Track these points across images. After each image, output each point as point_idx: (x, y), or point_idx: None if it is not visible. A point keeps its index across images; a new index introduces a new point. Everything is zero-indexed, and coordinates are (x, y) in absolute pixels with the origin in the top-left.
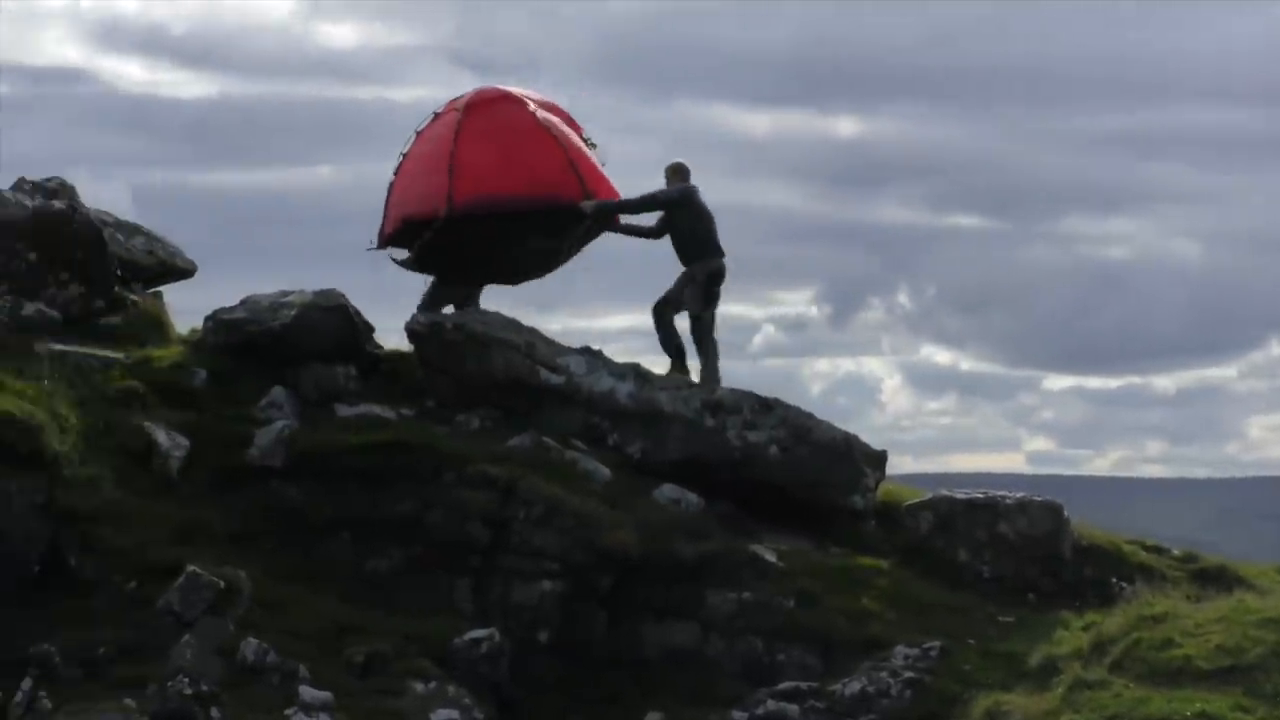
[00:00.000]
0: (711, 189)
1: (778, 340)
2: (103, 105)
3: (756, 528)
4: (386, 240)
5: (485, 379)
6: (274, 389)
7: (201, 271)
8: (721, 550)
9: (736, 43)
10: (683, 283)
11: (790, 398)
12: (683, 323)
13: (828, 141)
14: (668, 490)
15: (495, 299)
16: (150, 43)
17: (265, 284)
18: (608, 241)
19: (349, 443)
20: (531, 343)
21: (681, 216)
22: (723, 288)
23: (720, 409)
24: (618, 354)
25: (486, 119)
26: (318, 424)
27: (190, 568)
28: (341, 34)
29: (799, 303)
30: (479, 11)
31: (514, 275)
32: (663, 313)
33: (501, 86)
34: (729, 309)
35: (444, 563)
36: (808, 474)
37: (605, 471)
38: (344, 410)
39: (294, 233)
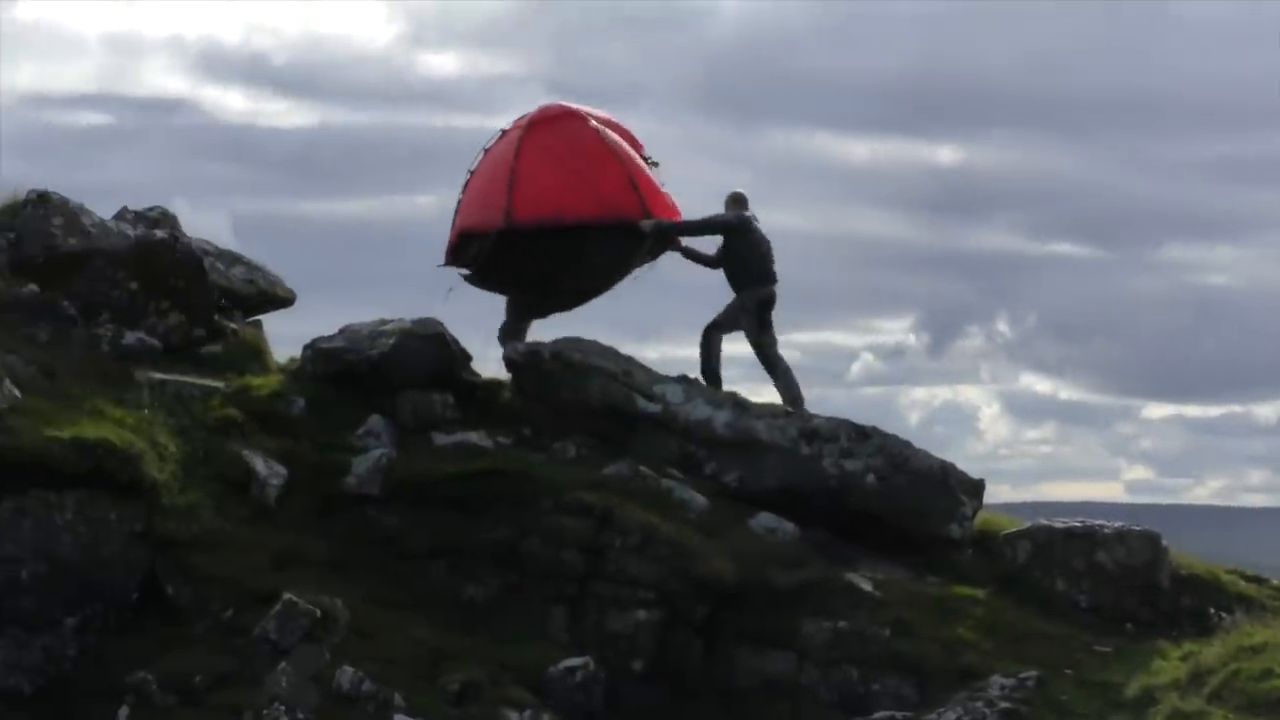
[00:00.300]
0: (810, 217)
1: (875, 368)
2: (204, 135)
3: (853, 556)
4: (451, 255)
5: (582, 407)
6: (371, 417)
7: (300, 300)
8: (817, 579)
9: (836, 70)
10: (734, 309)
11: (888, 426)
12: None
13: (927, 169)
14: (764, 519)
15: (592, 327)
16: (252, 72)
17: (364, 313)
18: (703, 271)
19: (446, 471)
20: (629, 370)
21: (737, 243)
22: (777, 313)
23: (817, 437)
24: None
25: (548, 136)
26: (415, 452)
27: (287, 596)
28: (442, 63)
29: (897, 331)
30: (578, 40)
31: (573, 294)
32: (710, 337)
33: (565, 104)
34: (827, 337)
35: (539, 591)
36: (905, 503)
37: (701, 500)
38: (441, 438)
39: (392, 261)
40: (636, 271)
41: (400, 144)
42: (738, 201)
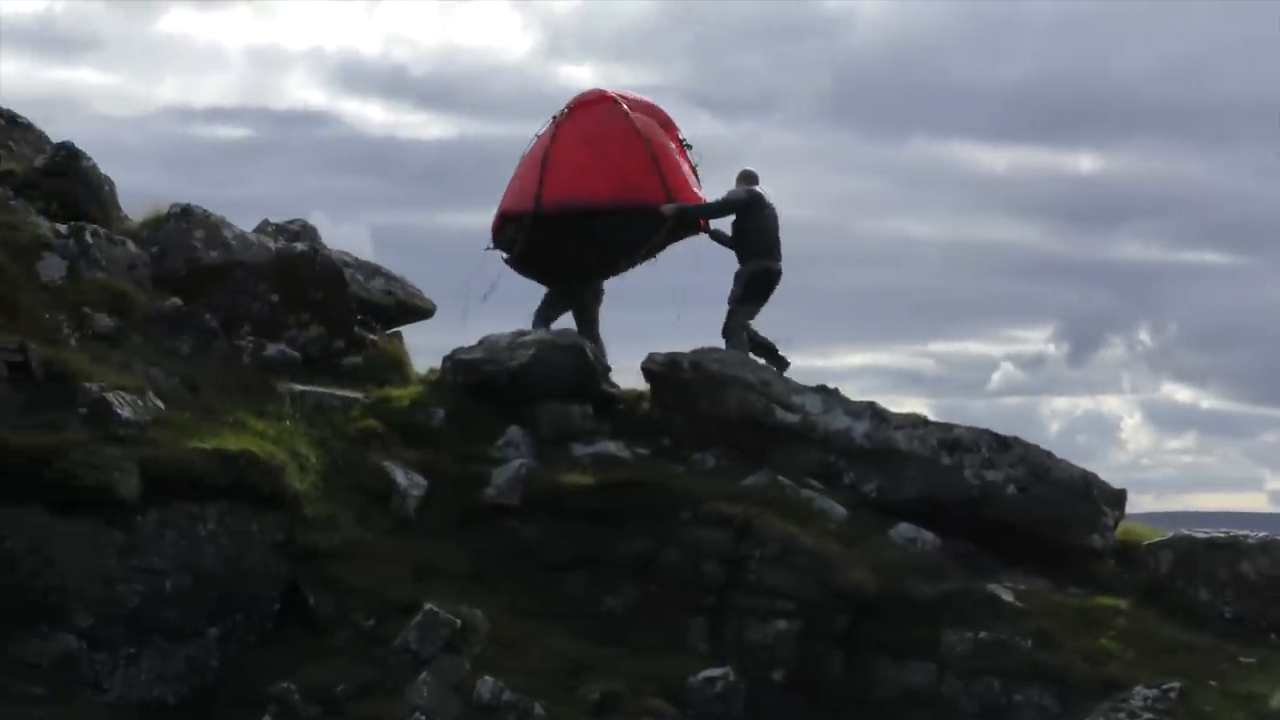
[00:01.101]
0: (948, 227)
1: (1016, 378)
2: (344, 147)
3: (993, 567)
4: (494, 238)
5: (720, 417)
6: (511, 428)
7: (440, 311)
8: (958, 590)
9: (972, 78)
10: (738, 280)
11: (1029, 436)
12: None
13: (1066, 177)
14: (904, 529)
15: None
16: (391, 84)
17: (503, 323)
18: (845, 281)
19: (585, 482)
20: (767, 381)
21: (746, 218)
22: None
23: (958, 447)
24: (854, 392)
25: (583, 121)
26: (554, 463)
27: (427, 606)
28: (580, 74)
29: (1037, 340)
30: (714, 50)
31: (600, 270)
32: (731, 320)
33: (603, 89)
34: (967, 347)
35: (679, 601)
36: (1046, 513)
37: (841, 510)
38: (580, 449)
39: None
40: (659, 252)
41: None
42: (748, 178)
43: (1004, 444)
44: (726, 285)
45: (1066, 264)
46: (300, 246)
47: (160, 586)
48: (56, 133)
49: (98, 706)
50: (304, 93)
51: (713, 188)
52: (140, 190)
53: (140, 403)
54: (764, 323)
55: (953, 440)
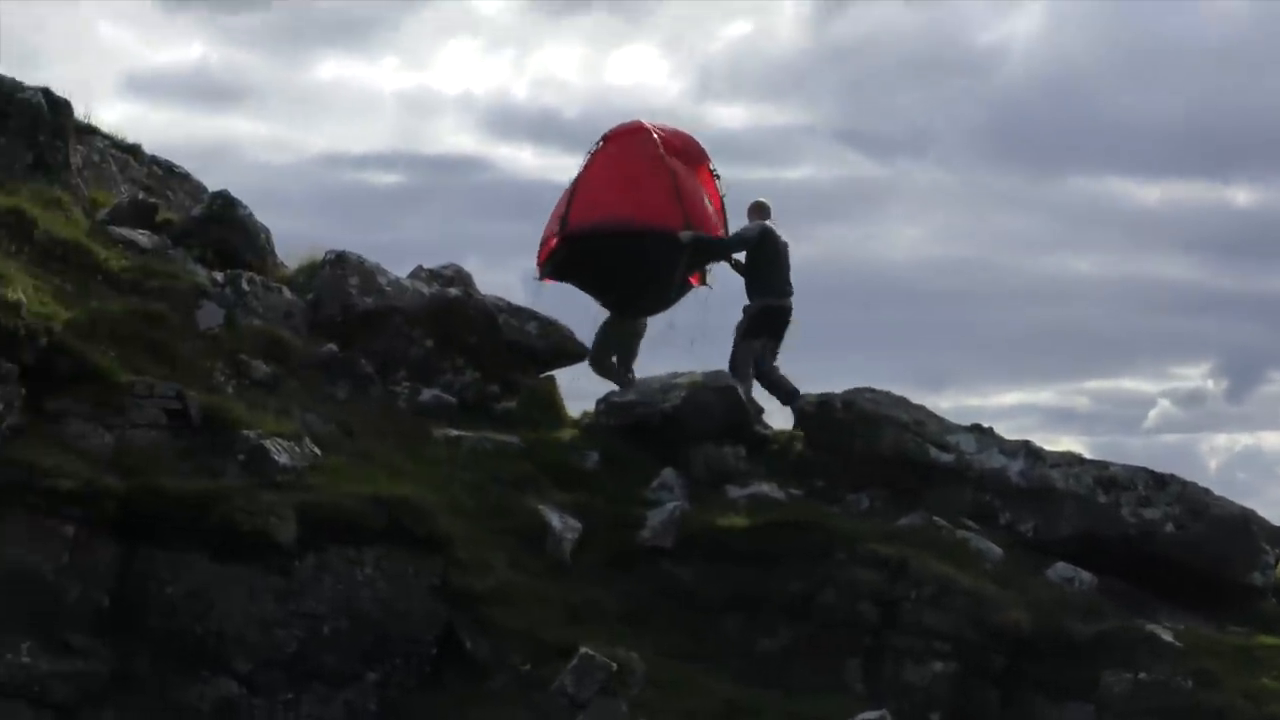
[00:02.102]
0: (1104, 263)
1: (1173, 415)
2: (495, 192)
3: (1152, 606)
4: (538, 267)
5: (874, 457)
6: (664, 470)
7: None
8: (1116, 629)
9: (1127, 114)
10: (745, 317)
11: (1187, 473)
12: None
13: (1223, 211)
14: (1060, 568)
15: (884, 378)
16: (542, 129)
17: (656, 366)
18: (1000, 319)
19: (739, 523)
20: (921, 420)
21: (755, 254)
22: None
23: (1114, 486)
24: (1009, 431)
25: (616, 149)
26: (708, 505)
27: (583, 649)
28: (732, 114)
29: (1195, 377)
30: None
31: (630, 306)
32: (738, 352)
33: (640, 120)
34: (1123, 383)
35: (835, 642)
36: (1205, 550)
37: (997, 550)
38: (734, 491)
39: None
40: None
41: None
42: (760, 210)
43: (1161, 481)
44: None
45: (1224, 298)
46: (454, 291)
47: (318, 631)
48: (213, 181)
49: None
50: (455, 138)
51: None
52: (296, 237)
53: (297, 449)
54: (916, 366)
55: (1109, 478)
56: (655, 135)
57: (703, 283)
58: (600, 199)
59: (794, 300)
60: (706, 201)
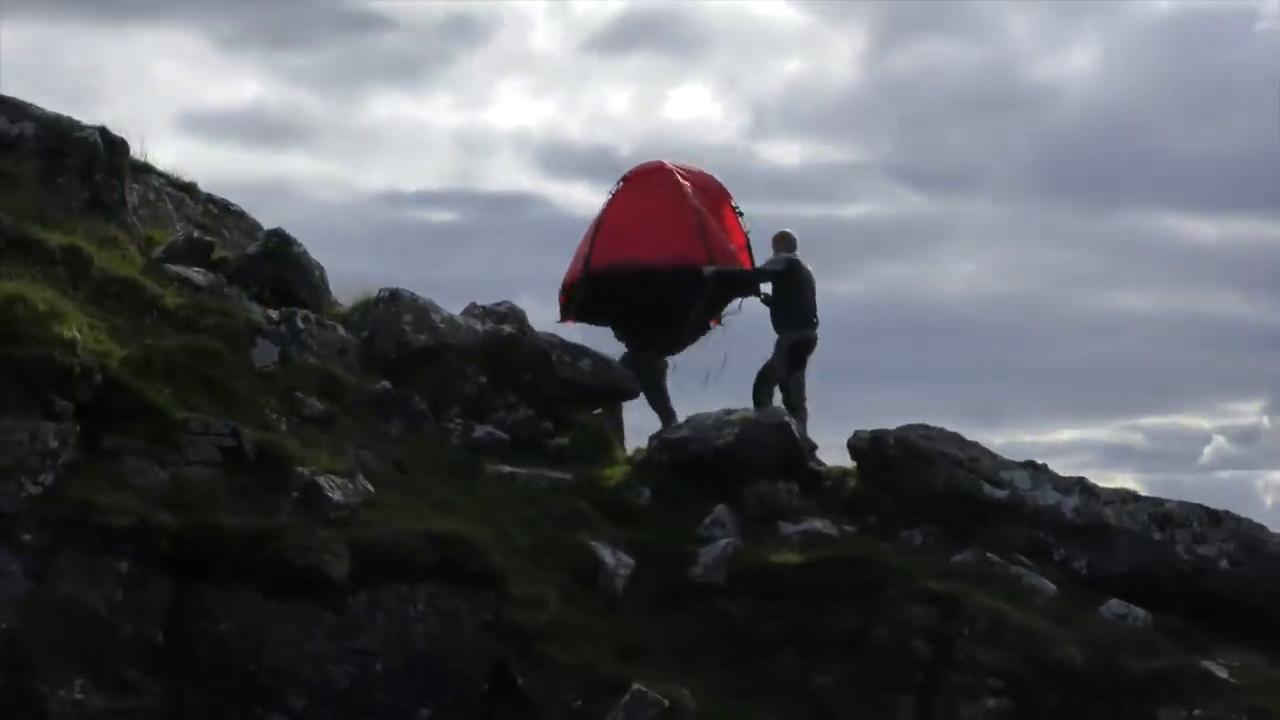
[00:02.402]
0: (1158, 299)
1: (1228, 452)
2: (549, 229)
3: (1206, 642)
4: (561, 311)
5: (927, 494)
6: (717, 507)
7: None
8: (1171, 666)
9: (1181, 149)
10: (777, 352)
11: (1242, 510)
12: None
13: (1277, 246)
14: (1114, 605)
15: (937, 414)
16: (596, 165)
17: (709, 403)
18: (1054, 355)
19: (792, 560)
20: (975, 457)
21: (782, 286)
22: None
23: (1169, 522)
24: (1062, 467)
25: (637, 189)
26: (761, 541)
27: (635, 686)
28: (786, 152)
29: (1250, 413)
30: (919, 126)
31: (648, 336)
32: (760, 389)
33: (662, 160)
34: (1178, 420)
35: (888, 679)
36: (1259, 587)
37: (1050, 587)
38: (787, 527)
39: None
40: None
41: None
42: (785, 241)
43: (1216, 518)
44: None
45: (1279, 335)
46: (508, 328)
47: (371, 668)
48: (268, 219)
49: None
50: (510, 175)
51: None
52: (350, 274)
53: (350, 485)
54: (970, 401)
55: (1163, 515)
56: (677, 175)
57: (719, 322)
58: (623, 238)
59: (820, 331)
60: (727, 239)
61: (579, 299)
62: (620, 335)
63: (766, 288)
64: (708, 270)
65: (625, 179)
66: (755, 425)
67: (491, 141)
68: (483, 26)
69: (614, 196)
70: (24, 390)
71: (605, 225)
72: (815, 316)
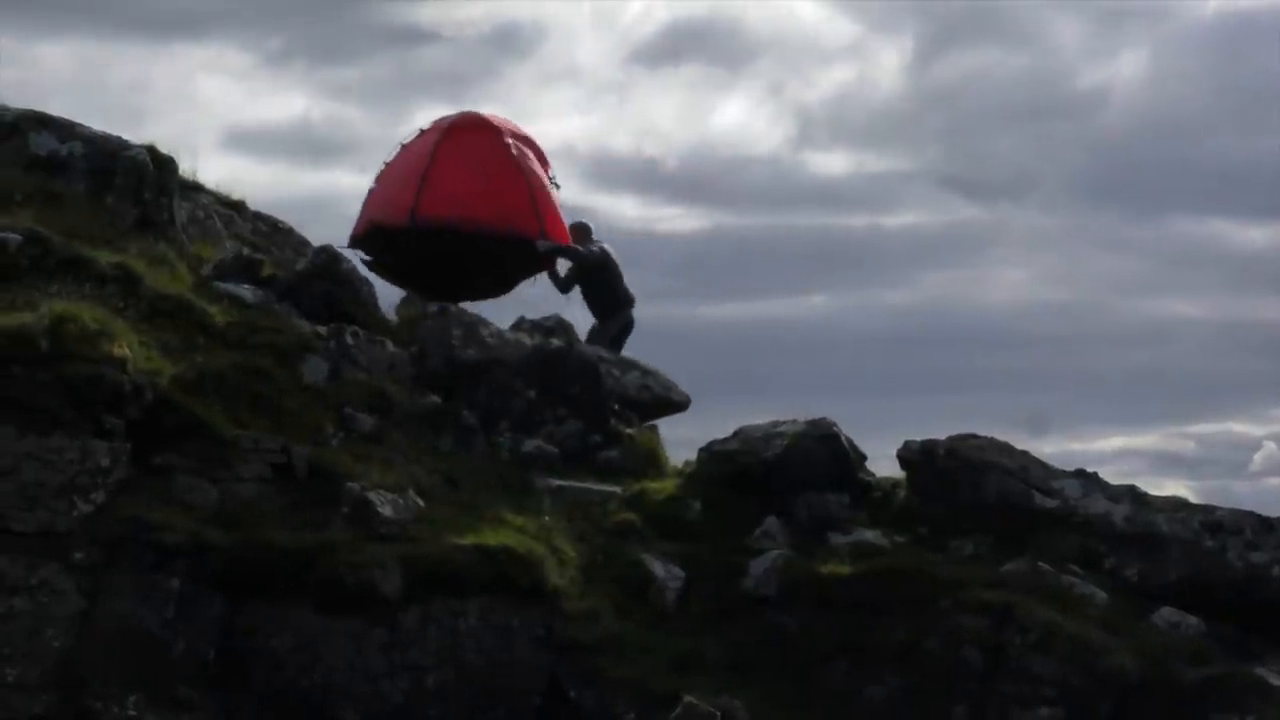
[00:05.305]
0: (1207, 306)
1: (1279, 458)
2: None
3: (1260, 650)
4: (355, 241)
5: (978, 503)
6: (767, 519)
7: (695, 403)
8: (1224, 674)
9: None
10: (595, 336)
11: None
12: None
13: None
14: (1166, 613)
15: (986, 423)
16: (644, 179)
17: (758, 414)
18: (1104, 363)
19: (844, 571)
20: (1025, 466)
21: (602, 276)
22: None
23: (1221, 530)
24: (1113, 476)
25: (464, 144)
26: (811, 553)
27: (687, 698)
28: (832, 162)
29: None
30: (966, 134)
31: (461, 296)
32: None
33: (484, 114)
34: (1228, 427)
35: (940, 689)
36: None
37: (1103, 595)
38: (837, 538)
39: (786, 362)
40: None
41: (791, 245)
42: (585, 232)
43: (1269, 526)
44: None
45: None
46: (556, 342)
47: (423, 683)
48: (316, 235)
49: None
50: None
51: None
52: (399, 289)
53: (401, 501)
54: (1019, 410)
55: (1215, 523)
56: (507, 137)
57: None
58: (456, 196)
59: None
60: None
61: (401, 245)
62: (412, 287)
63: (569, 271)
64: (541, 244)
65: (450, 129)
66: (805, 437)
67: None
68: (528, 39)
69: (436, 149)
70: (75, 409)
71: (433, 178)
72: (632, 294)
